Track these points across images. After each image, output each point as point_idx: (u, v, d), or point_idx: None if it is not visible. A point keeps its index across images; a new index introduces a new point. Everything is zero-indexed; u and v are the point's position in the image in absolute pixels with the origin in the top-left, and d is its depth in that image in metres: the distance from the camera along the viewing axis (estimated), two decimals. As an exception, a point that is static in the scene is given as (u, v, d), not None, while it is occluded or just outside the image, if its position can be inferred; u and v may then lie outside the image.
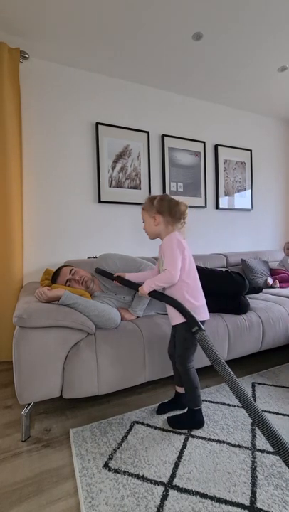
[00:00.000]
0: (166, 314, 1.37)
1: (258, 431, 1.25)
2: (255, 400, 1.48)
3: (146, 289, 1.23)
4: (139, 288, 1.28)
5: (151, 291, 1.24)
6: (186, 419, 1.29)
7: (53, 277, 1.70)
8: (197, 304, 1.24)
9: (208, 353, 1.06)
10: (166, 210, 1.26)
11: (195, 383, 1.26)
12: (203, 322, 1.25)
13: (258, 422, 0.89)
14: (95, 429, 1.28)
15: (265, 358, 2.03)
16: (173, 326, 1.32)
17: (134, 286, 1.35)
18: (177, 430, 1.26)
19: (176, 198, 1.32)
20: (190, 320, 1.16)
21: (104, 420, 1.35)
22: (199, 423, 1.28)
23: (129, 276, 1.47)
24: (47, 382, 1.25)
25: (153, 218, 1.28)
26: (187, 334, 1.20)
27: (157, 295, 1.24)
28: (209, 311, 1.72)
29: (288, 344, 1.97)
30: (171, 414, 1.37)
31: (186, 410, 1.34)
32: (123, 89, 2.60)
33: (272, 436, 0.86)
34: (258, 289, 2.33)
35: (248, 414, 0.91)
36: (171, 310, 1.25)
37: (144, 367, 1.44)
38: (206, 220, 3.02)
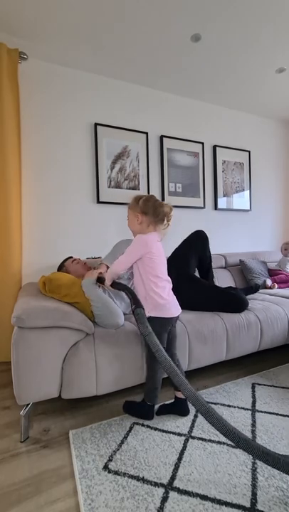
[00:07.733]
0: None
1: (258, 431, 1.24)
2: (255, 401, 1.47)
3: (107, 282, 1.35)
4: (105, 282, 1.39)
5: (111, 283, 1.35)
6: (137, 408, 1.35)
7: (61, 264, 1.99)
8: (161, 301, 1.27)
9: (141, 329, 1.12)
10: (149, 211, 1.30)
11: (155, 382, 1.31)
12: (173, 319, 1.31)
13: (171, 372, 0.99)
14: (94, 430, 1.27)
15: (264, 358, 2.03)
16: None
17: (102, 281, 1.44)
18: (177, 431, 1.25)
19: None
20: (131, 301, 1.23)
21: (103, 421, 1.34)
22: (146, 416, 1.33)
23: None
24: (45, 383, 1.24)
25: (136, 217, 1.33)
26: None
27: (114, 284, 1.35)
28: (208, 310, 1.76)
29: (288, 344, 1.97)
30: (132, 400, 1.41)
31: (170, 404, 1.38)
32: (122, 90, 2.60)
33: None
34: (255, 288, 2.33)
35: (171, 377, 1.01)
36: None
37: (142, 367, 1.43)
38: (204, 221, 3.02)
